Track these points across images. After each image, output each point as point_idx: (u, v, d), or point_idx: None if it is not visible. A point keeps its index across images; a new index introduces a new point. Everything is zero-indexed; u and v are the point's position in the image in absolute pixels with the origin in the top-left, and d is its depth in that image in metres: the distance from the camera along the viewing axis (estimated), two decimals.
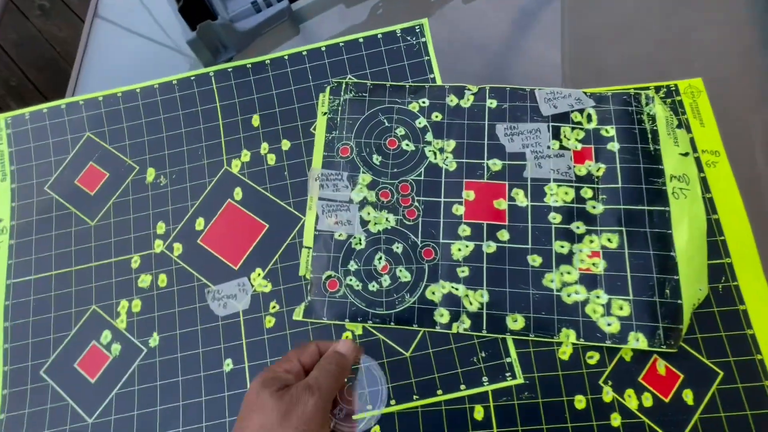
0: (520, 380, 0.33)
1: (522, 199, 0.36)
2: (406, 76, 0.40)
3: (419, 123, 0.39)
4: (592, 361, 0.33)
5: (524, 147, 0.37)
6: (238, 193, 0.39)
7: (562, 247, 0.35)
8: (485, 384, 0.33)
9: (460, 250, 0.35)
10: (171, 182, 0.40)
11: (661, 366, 0.32)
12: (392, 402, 0.33)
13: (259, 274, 0.37)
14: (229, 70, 0.42)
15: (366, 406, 0.32)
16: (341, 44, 0.42)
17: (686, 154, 0.36)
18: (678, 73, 0.39)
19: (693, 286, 0.33)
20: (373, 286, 0.35)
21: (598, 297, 0.33)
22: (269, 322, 0.36)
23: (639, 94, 0.38)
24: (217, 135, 0.41)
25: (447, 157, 0.38)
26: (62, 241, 0.39)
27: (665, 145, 0.36)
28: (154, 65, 0.45)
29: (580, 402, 0.32)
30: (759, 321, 0.33)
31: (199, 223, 0.39)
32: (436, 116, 0.39)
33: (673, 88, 0.38)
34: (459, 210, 0.36)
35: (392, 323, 0.34)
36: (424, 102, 0.39)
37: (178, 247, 0.38)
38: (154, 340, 0.36)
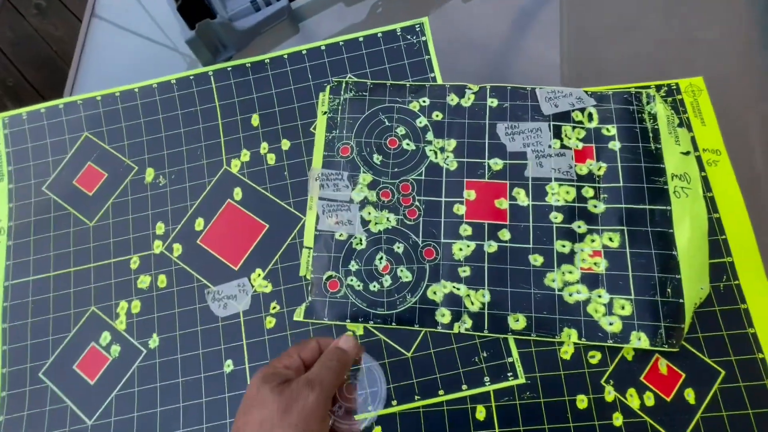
0: (521, 380, 0.33)
1: (523, 199, 0.36)
2: (407, 75, 0.40)
3: (420, 122, 0.38)
4: (593, 361, 0.33)
5: (525, 146, 0.37)
6: (237, 193, 0.39)
7: (564, 246, 0.35)
8: (487, 384, 0.33)
9: (461, 249, 0.35)
10: (170, 182, 0.39)
11: (663, 365, 0.32)
12: (394, 402, 0.33)
13: (259, 275, 0.37)
14: (229, 69, 0.42)
15: (368, 407, 0.32)
16: (341, 43, 0.41)
17: (687, 153, 0.36)
18: (678, 72, 0.39)
19: (695, 285, 0.33)
20: (374, 287, 0.35)
21: (599, 296, 0.33)
22: (270, 322, 0.36)
23: (640, 92, 0.38)
24: (216, 135, 0.40)
25: (448, 157, 0.37)
26: (61, 241, 0.39)
27: (666, 143, 0.36)
28: (152, 65, 0.44)
29: (582, 402, 0.32)
30: (760, 320, 0.33)
31: (199, 224, 0.38)
32: (437, 115, 0.38)
33: (674, 87, 0.38)
34: (460, 209, 0.36)
35: (393, 323, 0.34)
36: (424, 101, 0.39)
37: (177, 248, 0.38)
38: (153, 342, 0.36)
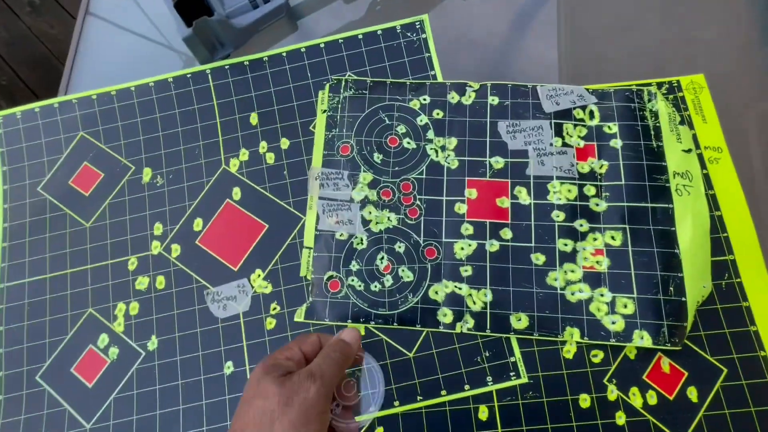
0: (524, 379, 0.33)
1: (525, 197, 0.36)
2: (407, 73, 0.40)
3: (420, 120, 0.38)
4: (596, 360, 0.33)
5: (526, 144, 0.37)
6: (236, 192, 0.38)
7: (566, 245, 0.34)
8: (489, 384, 0.33)
9: (462, 249, 0.35)
10: (168, 182, 0.39)
11: (666, 364, 0.32)
12: (396, 403, 0.33)
13: (259, 275, 0.36)
14: (226, 67, 0.41)
15: (369, 407, 0.31)
16: (340, 41, 0.41)
17: (689, 151, 0.36)
18: (678, 70, 0.39)
19: (697, 283, 0.33)
20: (376, 287, 0.35)
21: (602, 295, 0.33)
22: (270, 323, 0.35)
23: (641, 90, 0.37)
24: (214, 134, 0.40)
25: (449, 155, 0.37)
26: (57, 243, 0.38)
27: (668, 141, 0.36)
28: (148, 63, 0.44)
29: (584, 401, 0.32)
30: (762, 318, 0.33)
31: (198, 224, 0.38)
32: (438, 113, 0.38)
33: (675, 84, 0.38)
34: (461, 208, 0.36)
35: (395, 324, 0.34)
36: (425, 99, 0.39)
37: (176, 249, 0.37)
38: (152, 344, 0.36)
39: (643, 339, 0.32)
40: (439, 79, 0.39)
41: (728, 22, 0.41)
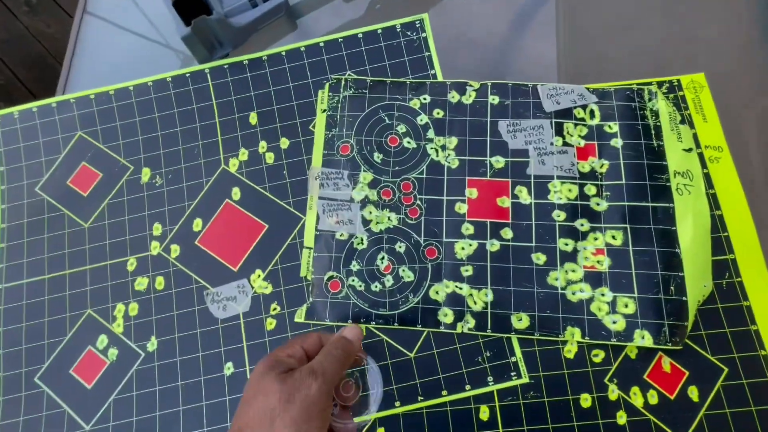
0: (525, 379, 0.33)
1: (525, 197, 0.36)
2: (407, 72, 0.40)
3: (420, 120, 0.38)
4: (597, 360, 0.33)
5: (527, 144, 0.37)
6: (236, 192, 0.38)
7: (567, 244, 0.34)
8: (490, 384, 0.33)
9: (463, 248, 0.35)
10: (167, 182, 0.39)
11: (666, 363, 0.32)
12: (397, 404, 0.33)
13: (259, 276, 0.36)
14: (225, 66, 0.41)
15: (367, 408, 0.31)
16: (340, 40, 0.41)
17: (690, 150, 0.36)
18: (678, 69, 0.39)
19: (698, 282, 0.33)
20: (376, 287, 0.35)
21: (603, 295, 0.33)
22: (270, 324, 0.35)
23: (642, 89, 0.37)
24: (213, 133, 0.40)
25: (449, 155, 0.37)
26: (55, 243, 0.38)
27: (668, 140, 0.36)
28: (147, 62, 0.44)
29: (585, 401, 0.32)
30: (763, 317, 0.33)
31: (197, 224, 0.38)
32: (438, 113, 0.38)
33: (676, 84, 0.38)
34: (462, 208, 0.36)
35: (396, 324, 0.34)
36: (425, 98, 0.38)
37: (175, 249, 0.37)
38: (152, 344, 0.35)
39: (644, 338, 0.32)
40: (439, 78, 0.39)
41: (729, 22, 0.41)
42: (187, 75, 0.41)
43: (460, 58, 0.41)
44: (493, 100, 0.38)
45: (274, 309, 0.35)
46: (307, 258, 0.36)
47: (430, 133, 0.38)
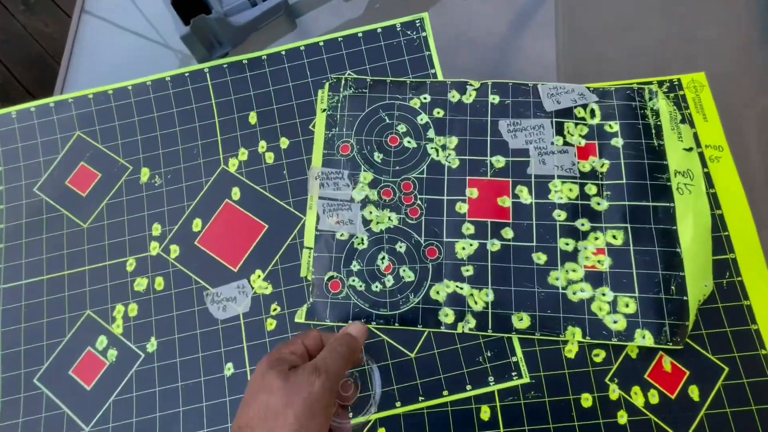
0: (526, 379, 0.33)
1: (526, 197, 0.36)
2: (407, 72, 0.39)
3: (421, 119, 0.38)
4: (598, 359, 0.33)
5: (528, 143, 0.37)
6: (236, 192, 0.38)
7: (567, 244, 0.34)
8: (491, 384, 0.33)
9: (464, 248, 0.35)
10: (166, 182, 0.39)
11: (667, 363, 0.32)
12: (398, 404, 0.33)
13: (259, 276, 0.36)
14: (225, 66, 0.41)
15: (366, 408, 0.31)
16: (340, 39, 0.41)
17: (690, 150, 0.36)
18: (677, 69, 0.39)
19: (698, 282, 0.33)
20: (377, 287, 0.35)
21: (603, 294, 0.33)
22: (270, 324, 0.35)
23: (642, 88, 0.37)
24: (213, 133, 0.39)
25: (449, 154, 0.37)
26: (54, 244, 0.38)
27: (669, 140, 0.36)
28: (146, 62, 0.43)
29: (586, 400, 0.32)
30: (763, 316, 0.33)
31: (197, 224, 0.38)
32: (438, 112, 0.38)
33: (676, 83, 0.38)
34: (462, 208, 0.36)
35: (396, 324, 0.34)
36: (425, 98, 0.38)
37: (174, 249, 0.37)
38: (152, 345, 0.35)
39: (644, 338, 0.32)
40: (440, 77, 0.39)
41: (728, 22, 0.41)
42: (186, 74, 0.41)
43: (460, 58, 0.41)
44: (494, 99, 0.38)
45: (275, 309, 0.35)
46: (308, 258, 0.36)
47: (431, 133, 0.38)
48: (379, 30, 0.40)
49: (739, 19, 0.41)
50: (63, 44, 0.45)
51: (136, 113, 0.40)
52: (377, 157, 0.37)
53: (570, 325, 0.33)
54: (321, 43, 0.41)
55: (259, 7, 0.41)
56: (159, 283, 0.36)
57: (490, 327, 0.33)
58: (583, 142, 0.36)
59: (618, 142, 0.36)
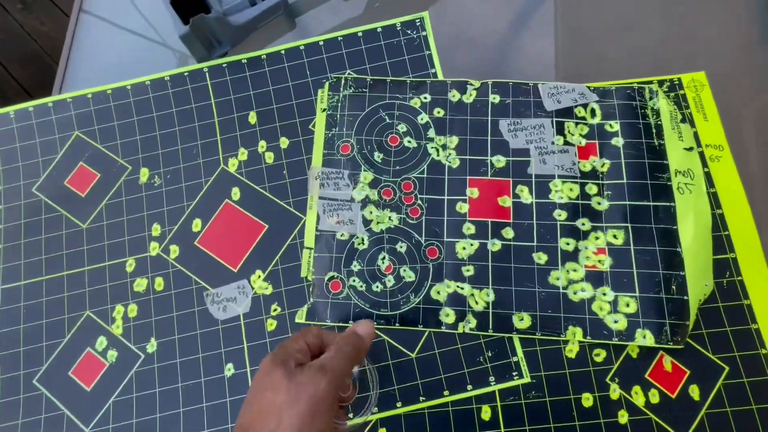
0: (527, 379, 0.33)
1: (527, 196, 0.35)
2: (407, 71, 0.39)
3: (421, 119, 0.38)
4: (598, 359, 0.33)
5: (528, 143, 0.37)
6: (235, 192, 0.38)
7: (568, 244, 0.34)
8: (492, 384, 0.33)
9: (464, 248, 0.35)
10: (166, 182, 0.38)
11: (668, 362, 0.32)
12: (398, 404, 0.33)
13: (259, 276, 0.36)
14: (224, 65, 0.41)
15: (364, 410, 0.31)
16: (340, 38, 0.40)
17: (690, 149, 0.36)
18: (677, 69, 0.39)
19: (699, 281, 0.33)
20: (377, 287, 0.35)
21: (604, 294, 0.33)
22: (271, 325, 0.35)
23: (642, 88, 0.37)
24: (212, 133, 0.39)
25: (450, 154, 0.37)
26: (53, 244, 0.38)
27: (669, 139, 0.36)
28: (145, 61, 0.43)
29: (587, 400, 0.32)
30: (763, 315, 0.33)
31: (196, 225, 0.37)
32: (438, 112, 0.38)
33: (677, 82, 0.38)
34: (463, 208, 0.36)
35: (397, 324, 0.34)
36: (425, 97, 0.38)
37: (174, 250, 0.37)
38: (151, 346, 0.35)
39: (645, 338, 0.32)
40: (440, 77, 0.39)
41: (728, 22, 0.41)
42: (186, 74, 0.41)
43: (460, 57, 0.41)
44: (494, 99, 0.38)
45: (275, 310, 0.35)
46: (308, 258, 0.36)
47: (431, 133, 0.37)
48: (379, 29, 0.40)
49: (739, 19, 0.41)
50: (60, 43, 0.45)
51: (135, 113, 0.40)
52: (377, 156, 0.37)
53: (571, 324, 0.33)
54: (321, 43, 0.40)
55: (258, 6, 0.41)
56: (159, 283, 0.36)
57: (490, 327, 0.33)
58: (584, 141, 0.36)
59: (618, 141, 0.36)
